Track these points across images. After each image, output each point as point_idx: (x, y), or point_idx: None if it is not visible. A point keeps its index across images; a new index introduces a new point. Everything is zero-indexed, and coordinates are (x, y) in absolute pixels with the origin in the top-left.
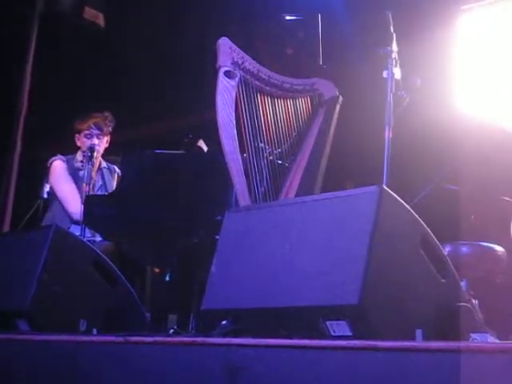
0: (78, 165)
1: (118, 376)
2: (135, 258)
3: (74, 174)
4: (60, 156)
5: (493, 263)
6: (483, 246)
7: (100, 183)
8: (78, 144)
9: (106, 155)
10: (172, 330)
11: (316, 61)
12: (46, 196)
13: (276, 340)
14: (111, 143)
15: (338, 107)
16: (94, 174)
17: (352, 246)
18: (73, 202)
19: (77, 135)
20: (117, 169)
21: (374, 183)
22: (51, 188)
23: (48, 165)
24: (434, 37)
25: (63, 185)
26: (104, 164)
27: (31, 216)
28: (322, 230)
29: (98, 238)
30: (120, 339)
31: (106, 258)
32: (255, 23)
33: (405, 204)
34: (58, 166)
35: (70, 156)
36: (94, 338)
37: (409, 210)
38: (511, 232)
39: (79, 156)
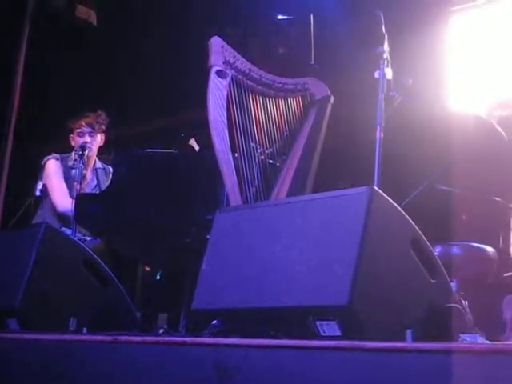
0: (71, 163)
1: (107, 375)
2: (126, 257)
3: (67, 172)
4: (54, 155)
5: (483, 264)
6: (474, 246)
7: (95, 183)
8: (73, 143)
9: (98, 154)
10: (162, 330)
11: (308, 60)
12: (38, 194)
13: (266, 340)
14: (104, 141)
15: (329, 107)
16: (88, 173)
17: (342, 246)
18: (59, 194)
19: (70, 135)
20: (111, 169)
21: (365, 184)
22: (44, 186)
23: (42, 163)
24: (426, 37)
25: (53, 180)
26: (99, 164)
27: (22, 214)
28: (312, 230)
29: (89, 238)
30: (109, 338)
31: (96, 256)
32: (247, 22)
33: (395, 205)
34: (51, 164)
35: (65, 155)
36: (84, 337)
37: (399, 211)
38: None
39: (73, 155)
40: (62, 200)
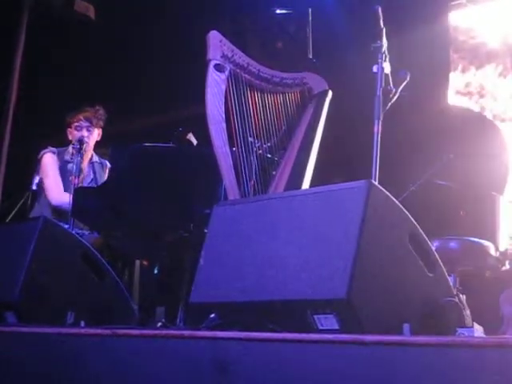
0: (68, 157)
1: (105, 368)
2: (123, 251)
3: (63, 166)
4: (51, 148)
5: (481, 258)
6: (471, 241)
7: (91, 177)
8: (70, 138)
9: (96, 148)
10: (160, 323)
11: (306, 55)
12: (35, 187)
13: (264, 333)
14: (102, 136)
15: (327, 101)
16: (84, 166)
17: (340, 240)
18: (53, 188)
19: (68, 129)
20: (108, 163)
21: (363, 178)
22: (41, 179)
23: (39, 157)
24: (424, 31)
25: (48, 174)
26: (96, 158)
27: (19, 208)
28: (310, 223)
29: (87, 232)
30: (107, 332)
31: (94, 250)
32: (246, 17)
33: (394, 199)
34: (47, 158)
35: (61, 149)
36: (82, 331)
37: (398, 205)
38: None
39: (71, 149)
40: (56, 194)
